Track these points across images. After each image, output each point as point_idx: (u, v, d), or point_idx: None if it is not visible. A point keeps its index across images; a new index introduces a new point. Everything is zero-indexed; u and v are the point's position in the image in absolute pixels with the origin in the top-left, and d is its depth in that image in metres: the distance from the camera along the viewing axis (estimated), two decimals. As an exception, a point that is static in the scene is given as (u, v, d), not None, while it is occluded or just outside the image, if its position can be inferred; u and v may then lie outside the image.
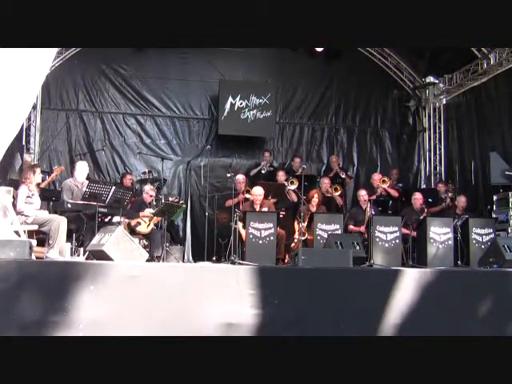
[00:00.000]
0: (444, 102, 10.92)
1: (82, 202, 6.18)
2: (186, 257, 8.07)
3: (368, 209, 7.74)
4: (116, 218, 6.50)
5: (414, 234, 7.44)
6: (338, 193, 8.89)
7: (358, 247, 6.65)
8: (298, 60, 10.41)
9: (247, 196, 8.19)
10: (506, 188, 8.39)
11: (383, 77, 10.95)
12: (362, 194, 8.24)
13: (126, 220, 7.12)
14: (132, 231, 7.10)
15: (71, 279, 4.57)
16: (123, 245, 5.56)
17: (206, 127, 10.32)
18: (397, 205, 8.65)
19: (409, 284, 5.20)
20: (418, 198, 8.12)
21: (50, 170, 8.96)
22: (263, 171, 9.57)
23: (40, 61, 4.58)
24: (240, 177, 8.61)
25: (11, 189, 5.81)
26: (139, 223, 7.33)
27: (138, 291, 4.67)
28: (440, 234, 7.20)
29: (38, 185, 6.75)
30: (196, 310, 4.79)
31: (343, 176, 9.65)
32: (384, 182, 8.89)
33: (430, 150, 11.05)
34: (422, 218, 7.66)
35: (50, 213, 6.46)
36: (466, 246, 7.33)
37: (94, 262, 5.29)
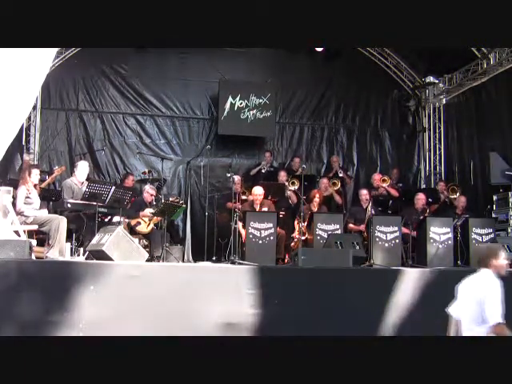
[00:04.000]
0: (444, 102, 10.91)
1: (81, 202, 6.18)
2: (185, 257, 8.06)
3: (369, 207, 7.76)
4: (116, 218, 6.50)
5: (414, 233, 7.45)
6: (337, 187, 8.88)
7: (357, 247, 6.65)
8: (298, 60, 10.40)
9: (244, 198, 8.21)
10: (506, 188, 8.39)
11: (383, 77, 10.94)
12: (364, 193, 8.24)
13: (126, 220, 7.12)
14: (132, 231, 7.10)
15: (71, 279, 4.58)
16: (123, 245, 5.56)
17: (206, 127, 10.32)
18: (397, 204, 8.65)
19: (409, 284, 5.22)
20: (420, 199, 8.11)
21: (50, 170, 8.96)
22: (263, 170, 9.57)
23: (40, 61, 4.58)
24: (235, 178, 8.58)
25: (11, 189, 5.80)
26: (139, 223, 7.33)
27: (137, 291, 4.68)
28: (440, 233, 7.19)
29: (37, 185, 6.73)
30: (196, 310, 4.80)
31: (341, 175, 9.65)
32: (384, 181, 8.92)
33: (429, 150, 11.04)
34: (421, 217, 7.66)
35: (49, 212, 6.45)
36: (466, 246, 7.32)
37: (94, 261, 5.30)
